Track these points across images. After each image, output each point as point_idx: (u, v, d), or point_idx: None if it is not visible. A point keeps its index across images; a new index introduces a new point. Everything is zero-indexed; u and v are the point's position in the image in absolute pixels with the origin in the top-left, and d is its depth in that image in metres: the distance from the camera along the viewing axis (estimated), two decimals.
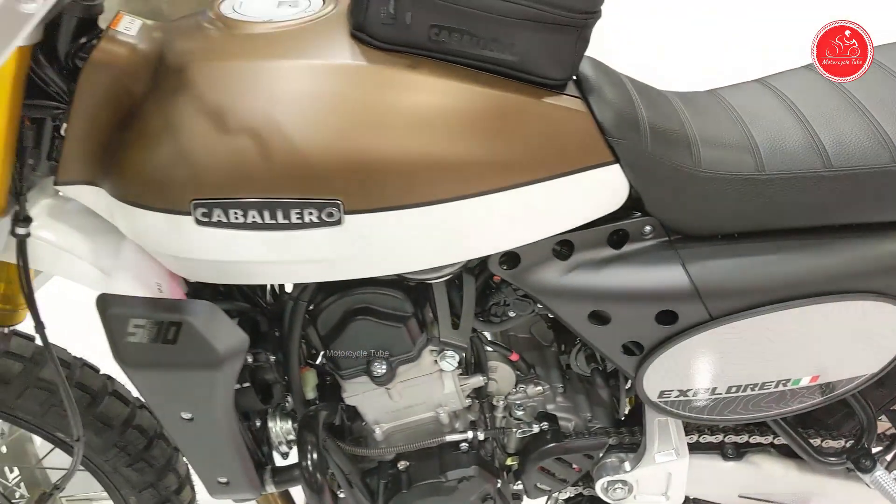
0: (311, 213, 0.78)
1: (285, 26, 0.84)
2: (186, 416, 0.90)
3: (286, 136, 0.77)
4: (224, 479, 0.99)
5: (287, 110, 0.78)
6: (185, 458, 1.22)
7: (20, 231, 0.83)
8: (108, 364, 0.94)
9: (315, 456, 0.94)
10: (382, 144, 0.79)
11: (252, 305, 1.00)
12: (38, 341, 0.92)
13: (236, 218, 0.78)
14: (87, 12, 0.81)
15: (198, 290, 0.92)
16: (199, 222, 0.78)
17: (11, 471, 1.33)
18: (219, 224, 0.78)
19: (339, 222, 0.78)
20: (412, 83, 0.81)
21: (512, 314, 0.97)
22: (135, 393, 1.09)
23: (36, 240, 0.86)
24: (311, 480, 0.95)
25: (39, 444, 1.32)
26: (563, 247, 0.90)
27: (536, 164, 0.82)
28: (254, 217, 0.78)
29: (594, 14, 0.81)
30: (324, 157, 0.78)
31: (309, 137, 0.78)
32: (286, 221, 0.78)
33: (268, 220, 0.78)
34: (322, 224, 0.78)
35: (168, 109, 0.79)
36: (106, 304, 0.82)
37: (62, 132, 0.82)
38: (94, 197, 0.85)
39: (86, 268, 0.88)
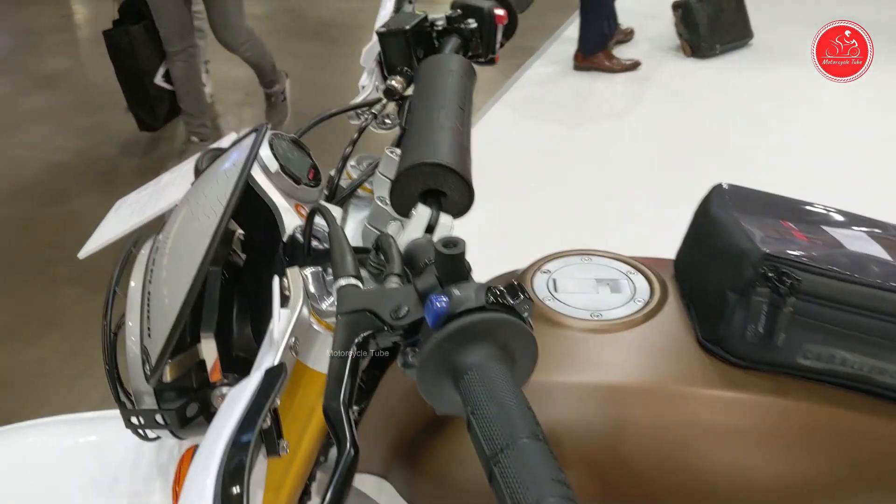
0: None
1: (620, 325, 0.78)
2: None
3: (653, 467, 0.70)
4: None
5: (654, 437, 0.71)
6: None
7: None
8: None
9: None
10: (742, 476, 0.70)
11: None
12: None
13: None
14: None
15: None
16: None
17: None
18: None
19: None
20: (779, 408, 0.73)
21: None
22: None
23: None
24: None
25: None
26: None
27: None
28: None
29: None
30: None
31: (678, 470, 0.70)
32: None
33: None
34: None
35: None
36: None
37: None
38: (375, 487, 0.80)
39: None
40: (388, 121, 0.94)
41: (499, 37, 1.01)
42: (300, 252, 0.71)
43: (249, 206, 0.75)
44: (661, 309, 0.81)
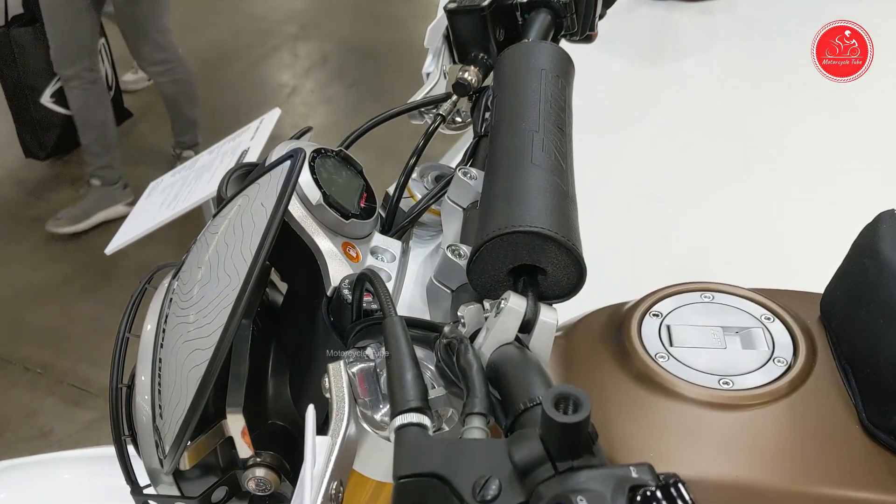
0: None
1: (758, 398, 0.60)
2: None
3: None
4: None
5: None
6: None
7: None
8: None
9: None
10: None
11: None
12: None
13: None
14: None
15: None
16: None
17: None
18: None
19: None
20: None
21: None
22: None
23: None
24: None
25: None
26: None
27: None
28: None
29: None
30: None
31: None
32: None
33: None
34: None
35: None
36: None
37: None
38: None
39: None
40: (459, 118, 0.76)
41: (598, 8, 0.80)
42: (347, 311, 0.55)
43: (285, 246, 0.59)
44: (809, 374, 0.63)
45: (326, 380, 0.47)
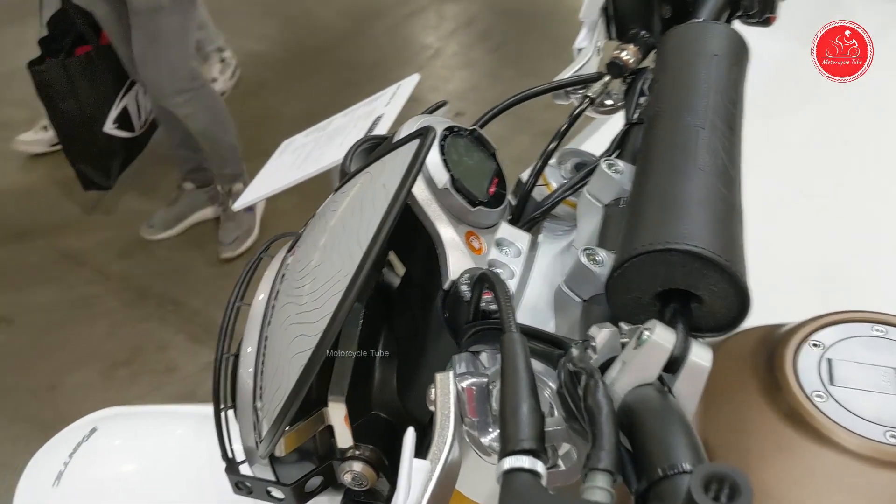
0: None
1: None
2: None
3: None
4: None
5: None
6: None
7: None
8: None
9: None
10: None
11: None
12: None
13: None
14: None
15: None
16: None
17: None
18: None
19: None
20: None
21: None
22: None
23: None
24: None
25: None
26: None
27: None
28: None
29: None
30: None
31: None
32: None
33: None
34: None
35: None
36: None
37: None
38: None
39: None
40: (609, 101, 0.68)
41: None
42: (464, 308, 0.50)
43: (405, 228, 0.54)
44: None
45: (432, 391, 0.42)
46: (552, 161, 0.65)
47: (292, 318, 0.51)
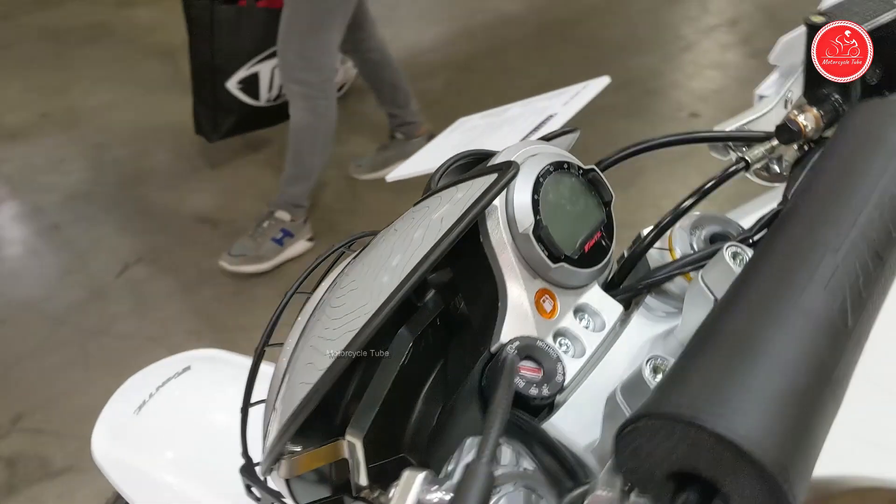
0: None
1: None
2: None
3: None
4: None
5: None
6: None
7: None
8: None
9: None
10: None
11: None
12: None
13: None
14: None
15: None
16: None
17: None
18: None
19: None
20: None
21: None
22: None
23: None
24: None
25: None
26: None
27: None
28: None
29: None
30: None
31: None
32: None
33: None
34: None
35: None
36: None
37: None
38: None
39: None
40: (777, 166, 0.55)
41: None
42: (506, 382, 0.41)
43: (474, 265, 0.47)
44: None
45: (392, 489, 0.35)
46: (684, 222, 0.53)
47: (313, 340, 0.46)
